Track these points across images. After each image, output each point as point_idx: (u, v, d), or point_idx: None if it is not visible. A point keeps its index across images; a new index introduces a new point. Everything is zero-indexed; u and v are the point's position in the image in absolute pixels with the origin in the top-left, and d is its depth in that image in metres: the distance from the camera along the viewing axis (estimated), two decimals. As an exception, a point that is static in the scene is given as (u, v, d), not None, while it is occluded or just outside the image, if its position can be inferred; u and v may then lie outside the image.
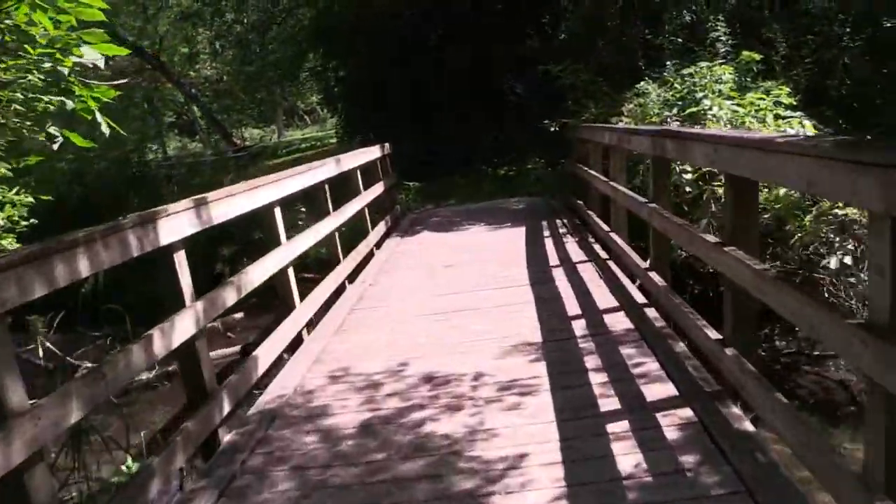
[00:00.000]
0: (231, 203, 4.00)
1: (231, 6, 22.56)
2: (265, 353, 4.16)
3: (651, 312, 4.54)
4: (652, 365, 3.75)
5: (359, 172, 7.70)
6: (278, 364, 4.50)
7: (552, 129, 9.19)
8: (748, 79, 8.08)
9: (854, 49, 9.81)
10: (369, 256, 7.49)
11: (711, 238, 3.26)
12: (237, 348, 7.83)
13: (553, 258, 6.53)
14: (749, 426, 2.90)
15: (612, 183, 5.92)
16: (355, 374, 4.18)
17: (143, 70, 28.77)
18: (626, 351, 3.99)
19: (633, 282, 5.67)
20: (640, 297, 4.95)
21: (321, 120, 40.50)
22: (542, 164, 13.08)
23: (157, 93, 31.74)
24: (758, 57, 8.00)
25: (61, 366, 7.86)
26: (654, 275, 4.57)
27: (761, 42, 10.87)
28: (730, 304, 3.14)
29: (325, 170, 6.05)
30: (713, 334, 3.38)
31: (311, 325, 5.25)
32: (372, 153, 8.59)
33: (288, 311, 4.88)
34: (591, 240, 7.15)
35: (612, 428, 3.05)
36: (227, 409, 3.52)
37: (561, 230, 8.01)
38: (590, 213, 7.49)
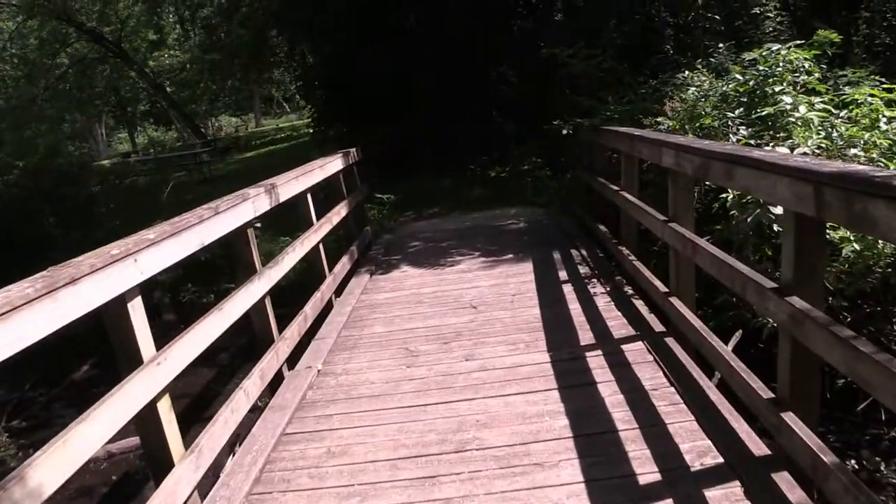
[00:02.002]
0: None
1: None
2: None
3: (795, 493, 2.47)
4: None
5: (309, 197, 5.54)
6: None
7: (564, 131, 7.02)
8: (822, 66, 6.00)
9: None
10: (325, 311, 5.37)
11: None
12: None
13: (584, 330, 4.41)
14: None
15: (681, 230, 3.79)
16: None
17: (107, 58, 26.32)
18: None
19: (710, 377, 3.64)
20: (751, 439, 2.88)
21: (300, 107, 38.03)
22: (540, 165, 10.95)
23: (123, 82, 29.33)
24: (836, 37, 5.91)
25: None
26: (794, 421, 2.49)
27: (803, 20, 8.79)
28: None
29: (237, 212, 3.88)
30: None
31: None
32: (331, 166, 6.42)
33: (160, 474, 2.77)
34: (629, 290, 5.05)
35: None
36: None
37: (581, 269, 5.89)
38: (622, 249, 5.39)
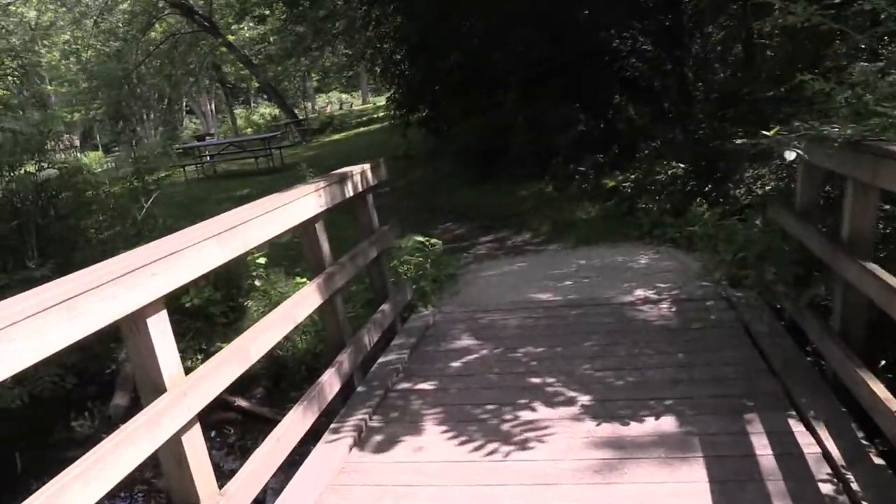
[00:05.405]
0: None
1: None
2: None
3: None
4: None
5: (157, 324, 2.14)
6: None
7: (791, 154, 3.04)
8: None
9: None
10: None
11: None
12: None
13: None
14: None
15: None
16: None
17: (197, 33, 24.08)
18: None
19: None
20: None
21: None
22: (682, 176, 7.10)
23: (223, 57, 27.19)
24: None
25: None
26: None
27: None
28: None
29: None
30: None
31: None
32: (287, 216, 2.97)
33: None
34: None
35: None
36: None
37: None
38: None
